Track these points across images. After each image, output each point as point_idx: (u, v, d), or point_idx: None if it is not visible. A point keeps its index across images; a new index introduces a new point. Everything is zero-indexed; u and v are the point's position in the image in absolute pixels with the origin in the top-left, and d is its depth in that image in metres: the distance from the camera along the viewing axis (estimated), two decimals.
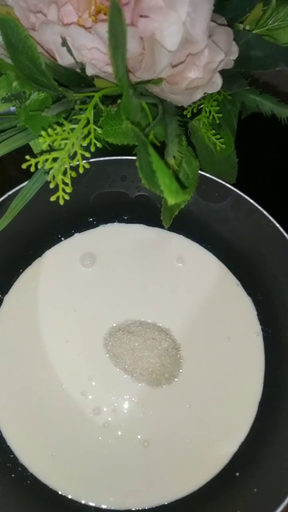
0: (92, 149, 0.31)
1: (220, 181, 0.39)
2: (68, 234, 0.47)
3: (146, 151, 0.26)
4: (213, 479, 0.40)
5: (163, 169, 0.24)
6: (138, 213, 0.46)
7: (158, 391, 0.42)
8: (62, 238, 0.46)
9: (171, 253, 0.46)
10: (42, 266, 0.45)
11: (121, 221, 0.47)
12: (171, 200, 0.24)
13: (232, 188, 0.40)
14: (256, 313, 0.45)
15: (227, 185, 0.40)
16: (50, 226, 0.44)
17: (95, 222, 0.47)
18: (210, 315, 0.45)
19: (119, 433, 0.40)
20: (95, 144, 0.31)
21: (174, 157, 0.32)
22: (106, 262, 0.46)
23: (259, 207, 0.41)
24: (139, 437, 0.40)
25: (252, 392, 0.42)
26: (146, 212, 0.47)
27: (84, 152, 0.31)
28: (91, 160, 0.38)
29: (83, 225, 0.47)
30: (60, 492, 0.40)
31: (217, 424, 0.41)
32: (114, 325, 0.44)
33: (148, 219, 0.48)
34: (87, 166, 0.32)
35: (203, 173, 0.39)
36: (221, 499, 0.38)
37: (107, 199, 0.45)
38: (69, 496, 0.40)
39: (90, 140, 0.31)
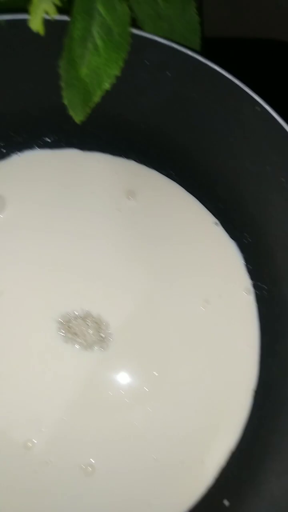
0: None
1: (180, 48, 0.24)
2: None
3: None
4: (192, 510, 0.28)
5: None
6: (68, 131, 0.34)
7: (106, 392, 0.31)
8: None
9: (119, 187, 0.35)
10: None
11: (44, 145, 0.35)
12: None
13: (208, 63, 0.25)
14: (244, 262, 0.34)
15: (197, 56, 0.24)
16: None
17: (4, 150, 0.35)
18: (178, 271, 0.34)
19: (50, 459, 0.29)
20: None
21: None
22: (22, 207, 0.34)
23: (256, 97, 0.25)
24: (78, 461, 0.30)
25: (244, 378, 0.32)
26: (80, 128, 0.33)
27: None
28: None
29: None
30: None
31: (194, 428, 0.31)
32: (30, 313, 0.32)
33: (82, 139, 0.35)
34: None
35: (144, 34, 0.24)
36: None
37: (17, 112, 0.32)
38: None
39: None
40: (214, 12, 0.45)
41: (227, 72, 0.24)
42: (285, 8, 0.45)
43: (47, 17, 0.21)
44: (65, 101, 0.22)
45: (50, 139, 0.35)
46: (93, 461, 0.29)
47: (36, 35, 0.22)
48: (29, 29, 0.22)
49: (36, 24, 0.19)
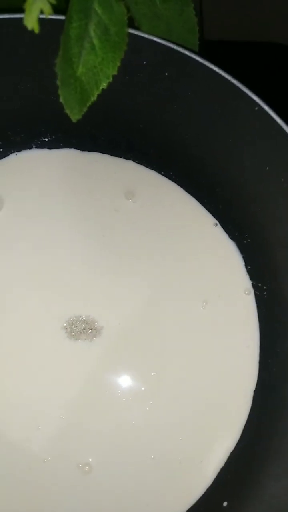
0: None
1: (178, 48, 0.24)
2: None
3: None
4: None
5: None
6: (66, 131, 0.34)
7: (104, 391, 0.31)
8: None
9: (118, 187, 0.35)
10: None
11: (42, 145, 0.35)
12: None
13: (206, 63, 0.24)
14: (243, 262, 0.33)
15: (194, 56, 0.24)
16: None
17: (1, 149, 0.35)
18: (178, 271, 0.34)
19: (47, 457, 0.29)
20: None
21: None
22: (20, 207, 0.34)
23: (254, 96, 0.25)
24: (76, 460, 0.29)
25: (243, 378, 0.32)
26: (78, 128, 0.32)
27: None
28: None
29: None
30: None
31: (193, 429, 0.31)
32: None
33: (81, 139, 0.35)
34: None
35: (141, 33, 0.24)
36: None
37: (14, 111, 0.32)
38: None
39: None
40: (214, 15, 0.45)
41: (225, 72, 0.24)
42: (285, 11, 0.44)
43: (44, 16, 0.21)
44: (62, 100, 0.22)
45: (48, 139, 0.34)
46: (91, 460, 0.29)
47: (33, 34, 0.22)
48: (26, 28, 0.22)
49: (31, 22, 0.19)
